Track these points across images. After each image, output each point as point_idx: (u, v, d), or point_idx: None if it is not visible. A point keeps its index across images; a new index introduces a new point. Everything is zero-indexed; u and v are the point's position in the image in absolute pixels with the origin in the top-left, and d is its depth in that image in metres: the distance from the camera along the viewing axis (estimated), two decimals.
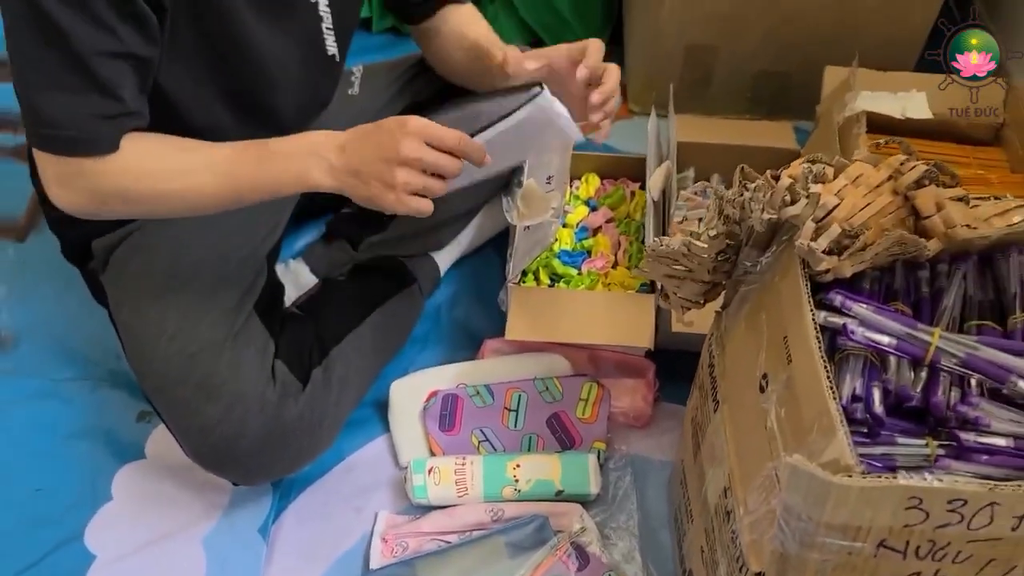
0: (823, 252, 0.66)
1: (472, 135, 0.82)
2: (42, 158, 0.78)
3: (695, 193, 1.21)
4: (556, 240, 1.11)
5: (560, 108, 0.87)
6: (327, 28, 0.92)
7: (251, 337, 0.93)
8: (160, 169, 0.81)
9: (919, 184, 0.70)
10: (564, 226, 1.14)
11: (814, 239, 0.66)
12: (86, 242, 0.97)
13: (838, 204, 0.68)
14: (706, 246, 0.74)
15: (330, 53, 0.93)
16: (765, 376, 0.68)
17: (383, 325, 1.07)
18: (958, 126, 1.18)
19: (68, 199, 0.80)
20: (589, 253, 1.11)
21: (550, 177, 1.08)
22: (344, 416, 1.00)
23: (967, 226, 0.67)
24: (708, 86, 1.44)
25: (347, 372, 0.99)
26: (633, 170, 1.21)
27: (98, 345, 1.12)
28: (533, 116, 0.85)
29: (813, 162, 0.73)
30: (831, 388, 0.58)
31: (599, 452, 1.02)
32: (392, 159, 0.77)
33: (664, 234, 1.06)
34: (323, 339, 0.99)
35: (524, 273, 1.09)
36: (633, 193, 1.19)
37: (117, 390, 1.09)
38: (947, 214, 0.67)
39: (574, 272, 1.08)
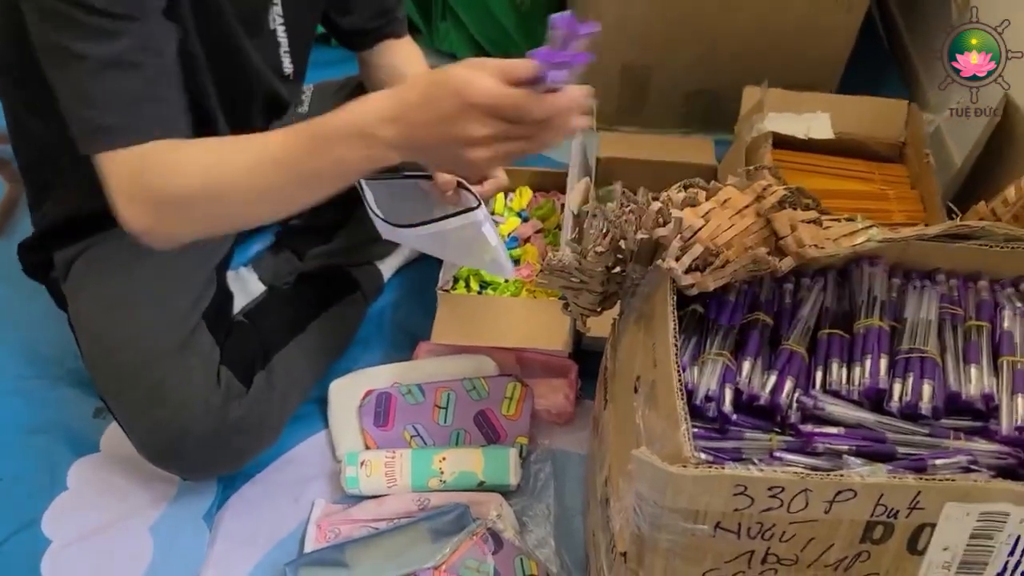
0: (688, 269, 0.74)
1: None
2: (106, 169, 0.77)
3: (621, 206, 1.29)
4: None
5: (490, 230, 0.91)
6: (284, 51, 1.00)
7: (198, 345, 1.00)
8: (219, 161, 0.78)
9: (778, 207, 0.79)
10: None
11: (680, 257, 0.75)
12: (48, 256, 1.04)
13: (703, 225, 0.77)
14: (595, 261, 0.83)
15: (286, 72, 1.01)
16: (638, 378, 0.77)
17: (326, 330, 1.15)
18: (865, 144, 1.27)
19: (135, 214, 0.78)
20: (518, 262, 1.19)
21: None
22: (286, 417, 1.08)
23: (815, 246, 0.75)
24: (644, 102, 1.53)
25: (289, 376, 1.07)
26: (563, 183, 1.29)
27: (59, 346, 1.18)
28: (459, 231, 0.91)
29: (687, 187, 0.82)
30: (680, 390, 0.67)
31: (521, 447, 1.10)
32: (460, 140, 0.70)
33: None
34: (267, 345, 1.07)
35: (456, 280, 1.17)
36: (563, 205, 1.28)
37: (75, 388, 1.17)
38: (798, 235, 0.76)
39: (500, 281, 1.16)
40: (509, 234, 1.22)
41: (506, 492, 1.07)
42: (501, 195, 1.29)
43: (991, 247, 0.80)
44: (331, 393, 1.14)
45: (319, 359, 1.14)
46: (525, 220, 1.26)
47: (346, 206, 1.21)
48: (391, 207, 0.97)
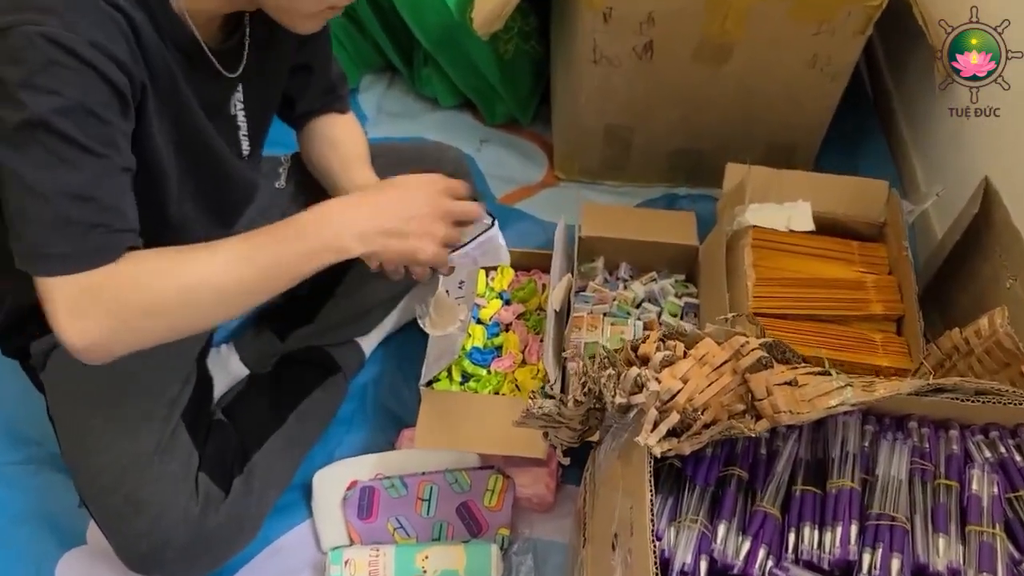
0: (665, 436, 0.76)
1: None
2: (48, 287, 0.74)
3: (604, 281, 1.30)
4: (470, 336, 1.20)
5: (502, 240, 0.97)
6: (243, 135, 0.99)
7: (176, 450, 1.01)
8: (180, 263, 0.78)
9: (756, 366, 0.80)
10: (478, 322, 1.23)
11: (657, 424, 0.76)
12: (25, 345, 1.04)
13: (681, 388, 0.78)
14: (574, 410, 0.84)
15: (244, 153, 1.00)
16: (616, 536, 0.79)
17: (307, 419, 1.16)
18: (844, 223, 1.28)
19: (83, 328, 0.74)
20: (499, 350, 1.20)
21: (461, 283, 1.17)
22: (265, 514, 1.09)
23: (790, 412, 0.77)
24: (627, 159, 1.52)
25: (269, 473, 1.08)
26: (545, 262, 1.30)
27: (41, 427, 1.17)
28: (482, 245, 0.95)
29: (666, 338, 0.83)
30: (655, 567, 0.69)
31: (503, 538, 1.12)
32: (431, 214, 0.86)
33: (563, 345, 1.15)
34: (245, 445, 1.08)
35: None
36: (544, 286, 1.28)
37: (59, 473, 1.16)
38: (774, 400, 0.77)
39: (483, 372, 1.17)
40: (491, 318, 1.23)
41: None
42: (482, 275, 1.29)
43: (962, 400, 0.82)
44: (315, 484, 1.15)
45: (299, 450, 1.15)
46: (507, 302, 1.26)
47: (327, 285, 1.21)
48: None
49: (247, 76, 0.93)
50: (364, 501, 1.13)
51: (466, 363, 1.17)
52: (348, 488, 1.14)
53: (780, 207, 1.20)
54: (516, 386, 1.17)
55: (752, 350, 0.80)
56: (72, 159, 0.72)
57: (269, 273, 0.81)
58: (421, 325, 1.11)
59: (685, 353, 0.83)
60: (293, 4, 0.83)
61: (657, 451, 0.74)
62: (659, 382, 0.78)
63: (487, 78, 1.56)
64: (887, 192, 1.27)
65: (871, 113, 1.65)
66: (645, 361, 0.82)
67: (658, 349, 0.81)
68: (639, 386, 0.77)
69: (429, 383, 1.13)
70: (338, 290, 1.21)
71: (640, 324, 1.22)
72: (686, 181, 1.55)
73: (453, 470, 1.14)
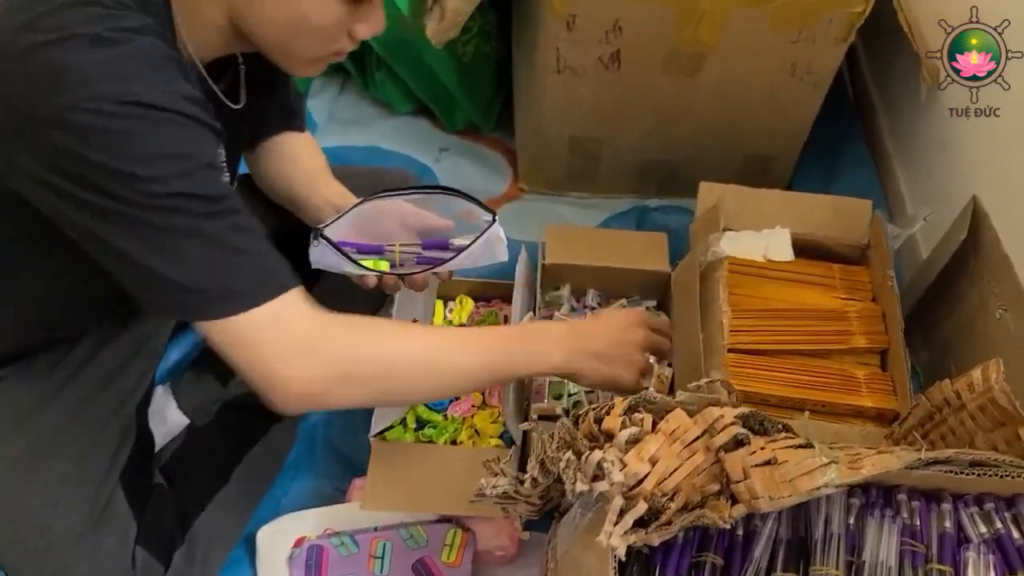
0: (631, 527, 0.68)
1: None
2: (255, 329, 0.70)
3: (571, 310, 1.21)
4: None
5: (503, 235, 0.94)
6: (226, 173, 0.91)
7: (113, 521, 0.91)
8: (404, 335, 0.80)
9: (732, 444, 0.72)
10: None
11: (623, 514, 0.68)
12: None
13: (649, 472, 0.70)
14: (532, 489, 0.76)
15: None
16: None
17: (252, 472, 1.07)
18: (825, 245, 1.20)
19: (298, 373, 0.71)
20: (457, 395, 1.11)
21: (415, 320, 1.08)
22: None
23: (769, 497, 0.69)
24: (595, 170, 1.43)
25: (212, 539, 0.99)
26: (507, 291, 1.20)
27: None
28: (483, 245, 0.93)
29: (633, 409, 0.75)
30: None
31: None
32: (634, 342, 0.88)
33: (523, 393, 1.07)
34: (186, 512, 0.99)
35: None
36: (506, 317, 1.19)
37: None
38: (751, 484, 0.69)
39: (439, 418, 1.08)
40: None
41: None
42: (440, 307, 1.20)
43: (955, 473, 0.74)
44: (259, 541, 1.06)
45: (246, 508, 1.06)
46: None
47: None
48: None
49: (248, 111, 0.87)
50: (312, 560, 1.05)
51: (421, 408, 1.08)
52: (295, 545, 1.06)
53: (757, 235, 1.11)
54: (476, 431, 1.08)
55: (727, 426, 0.72)
56: (208, 211, 0.68)
57: (495, 370, 0.83)
58: None
59: (654, 424, 0.75)
60: (295, 49, 0.77)
61: (621, 551, 0.67)
62: (625, 465, 0.70)
63: (444, 83, 1.45)
64: (870, 213, 1.19)
65: (853, 118, 1.56)
66: (610, 436, 0.74)
67: (623, 425, 0.73)
68: (603, 471, 0.69)
69: (381, 432, 1.05)
70: None
71: None
72: (658, 192, 1.46)
73: (408, 524, 1.06)
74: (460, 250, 0.93)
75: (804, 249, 1.20)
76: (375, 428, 1.04)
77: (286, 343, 0.71)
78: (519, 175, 1.48)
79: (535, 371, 0.87)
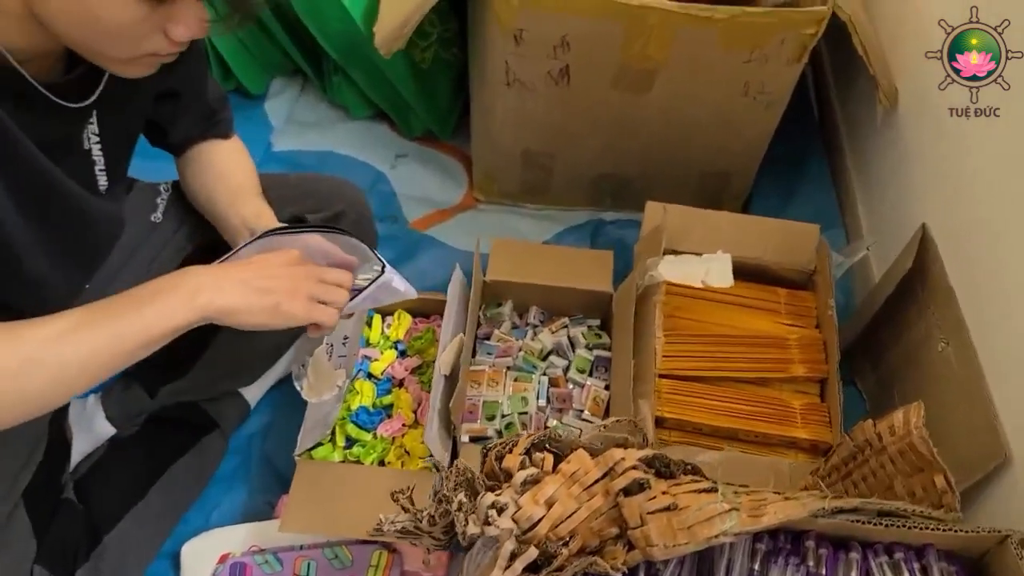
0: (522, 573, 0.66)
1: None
2: None
3: (513, 327, 1.20)
4: (358, 394, 1.10)
5: (400, 283, 0.89)
6: (99, 170, 0.87)
7: (12, 537, 0.90)
8: (28, 331, 0.68)
9: (631, 488, 0.70)
10: (369, 376, 1.13)
11: (514, 558, 0.67)
12: None
13: (544, 515, 0.68)
14: (431, 526, 0.74)
15: (101, 189, 0.89)
16: None
17: (172, 488, 1.05)
18: (771, 269, 1.18)
19: None
20: (390, 410, 1.10)
21: (346, 338, 1.07)
22: None
23: (665, 545, 0.68)
24: (549, 182, 1.41)
25: (123, 557, 0.98)
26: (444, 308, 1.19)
27: None
28: (378, 291, 0.87)
29: (536, 448, 0.73)
30: None
31: None
32: (296, 272, 0.78)
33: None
34: (95, 526, 0.97)
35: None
36: None
37: None
38: (647, 531, 0.68)
39: (368, 437, 1.07)
40: (383, 372, 1.12)
41: None
42: (379, 321, 1.18)
43: (863, 523, 0.73)
44: (183, 556, 1.05)
45: (163, 523, 1.05)
46: (403, 354, 1.15)
47: (203, 335, 1.10)
48: None
49: (103, 105, 0.81)
50: None
51: (350, 426, 1.06)
52: (219, 562, 1.05)
53: (698, 259, 1.09)
54: (405, 451, 1.07)
55: (627, 469, 0.71)
56: None
57: (113, 342, 0.70)
58: (297, 388, 1.01)
59: (557, 464, 0.73)
60: (101, 48, 0.70)
61: None
62: (519, 508, 0.69)
63: (400, 94, 1.43)
64: (817, 238, 1.17)
65: (815, 135, 1.54)
66: (509, 476, 0.72)
67: (523, 465, 0.72)
68: (495, 515, 0.68)
69: (309, 450, 1.03)
70: (214, 340, 1.09)
71: (545, 381, 1.12)
72: (613, 205, 1.44)
73: (333, 544, 1.05)
74: (358, 291, 0.87)
75: (750, 272, 1.18)
76: (301, 446, 1.03)
77: None
78: (474, 184, 1.46)
79: (187, 320, 0.72)
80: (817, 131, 1.55)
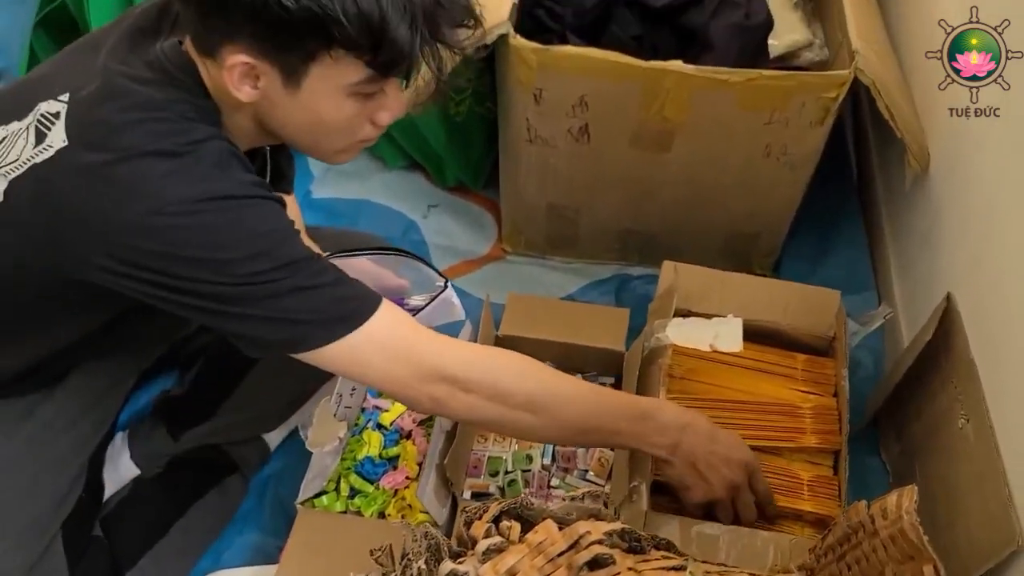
0: None
1: None
2: (365, 343, 0.78)
3: None
4: (366, 444, 1.12)
5: (456, 301, 1.01)
6: None
7: (47, 568, 0.94)
8: (513, 362, 0.87)
9: (594, 564, 0.70)
10: (379, 427, 1.15)
11: None
12: None
13: None
14: None
15: None
16: None
17: (193, 528, 1.09)
18: (788, 333, 1.16)
19: (393, 370, 0.81)
20: (395, 462, 1.11)
21: (354, 389, 1.09)
22: None
23: None
24: (575, 235, 1.42)
25: None
26: None
27: None
28: (436, 308, 0.98)
29: (504, 516, 0.73)
30: None
31: None
32: (739, 461, 0.93)
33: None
34: (119, 563, 1.02)
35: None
36: None
37: None
38: None
39: (370, 488, 1.08)
40: (392, 423, 1.14)
41: None
42: None
43: None
44: None
45: (182, 563, 1.08)
46: None
47: (232, 377, 1.14)
48: None
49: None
50: None
51: (353, 476, 1.08)
52: None
53: (707, 322, 1.08)
54: (408, 504, 1.08)
55: (591, 543, 0.70)
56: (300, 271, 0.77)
57: (601, 429, 0.89)
58: (302, 437, 1.04)
59: (524, 533, 0.73)
60: (321, 144, 0.83)
61: None
62: None
63: (431, 143, 1.47)
64: (838, 304, 1.14)
65: (853, 193, 1.51)
66: (475, 543, 0.73)
67: (488, 533, 0.72)
68: None
69: (311, 498, 1.06)
70: (238, 389, 1.13)
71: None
72: (640, 260, 1.44)
73: None
74: (415, 311, 0.95)
75: (769, 337, 1.16)
76: (303, 494, 1.05)
77: (392, 351, 0.80)
78: (503, 236, 1.48)
79: (636, 448, 0.93)
80: (855, 189, 1.52)
